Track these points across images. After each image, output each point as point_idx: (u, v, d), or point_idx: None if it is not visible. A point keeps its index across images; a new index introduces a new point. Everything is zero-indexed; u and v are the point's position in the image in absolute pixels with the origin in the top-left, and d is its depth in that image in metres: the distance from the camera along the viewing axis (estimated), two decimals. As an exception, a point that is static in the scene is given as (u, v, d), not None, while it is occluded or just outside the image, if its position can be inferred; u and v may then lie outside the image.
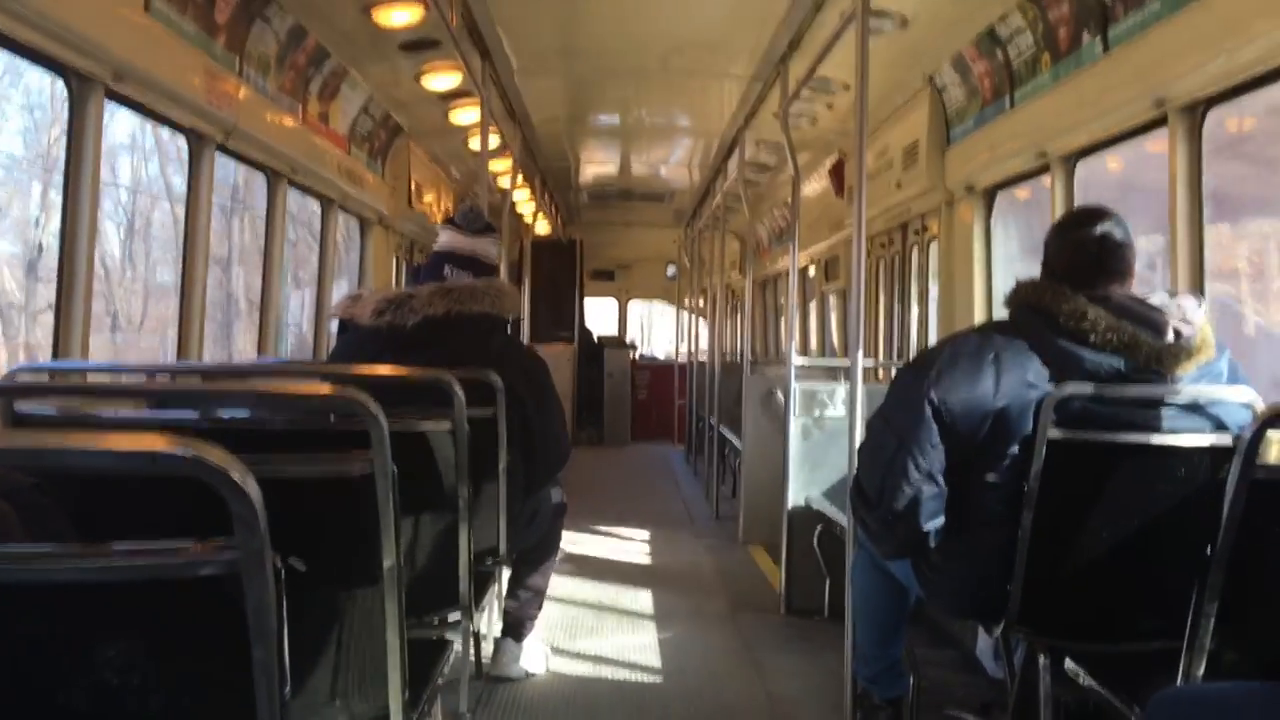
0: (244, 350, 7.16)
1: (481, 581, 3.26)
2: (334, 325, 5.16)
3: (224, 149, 4.63)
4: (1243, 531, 2.05)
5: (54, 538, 1.68)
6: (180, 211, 4.64)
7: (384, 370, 2.97)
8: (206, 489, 1.09)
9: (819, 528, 4.93)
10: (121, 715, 1.20)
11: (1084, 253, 2.71)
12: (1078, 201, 4.38)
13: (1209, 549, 2.11)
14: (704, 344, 11.40)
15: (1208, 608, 2.11)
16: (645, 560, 6.69)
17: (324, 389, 2.02)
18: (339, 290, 6.61)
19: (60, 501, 1.76)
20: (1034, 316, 2.67)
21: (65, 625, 1.18)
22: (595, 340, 14.75)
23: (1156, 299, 2.65)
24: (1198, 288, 3.51)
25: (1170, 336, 2.57)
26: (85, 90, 3.49)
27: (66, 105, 3.52)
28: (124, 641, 1.18)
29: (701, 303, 12.23)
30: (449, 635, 2.86)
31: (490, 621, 4.27)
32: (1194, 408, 2.60)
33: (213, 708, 1.23)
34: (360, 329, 3.53)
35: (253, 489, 1.08)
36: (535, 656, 4.19)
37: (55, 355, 3.52)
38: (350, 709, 2.03)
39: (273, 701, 1.16)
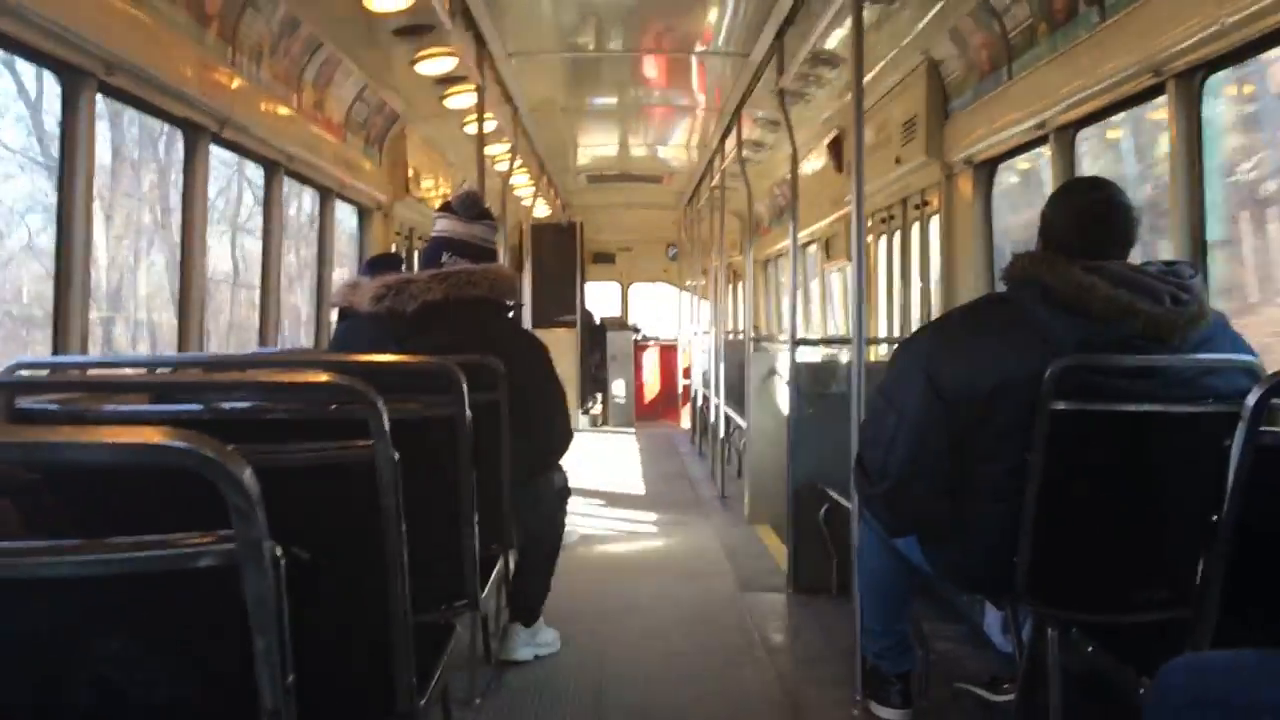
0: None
1: (487, 567, 3.26)
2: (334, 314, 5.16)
3: (219, 140, 4.61)
4: (1248, 498, 2.04)
5: (53, 533, 1.68)
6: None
7: (384, 357, 2.97)
8: (204, 481, 1.09)
9: (825, 506, 4.92)
10: (125, 709, 1.20)
11: (1083, 221, 2.69)
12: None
13: (1215, 517, 2.10)
14: (706, 324, 11.38)
15: (1214, 576, 2.10)
16: (652, 542, 6.70)
17: (323, 377, 2.02)
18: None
19: (61, 497, 1.76)
20: (1031, 289, 2.66)
21: (66, 620, 1.18)
22: (598, 322, 14.74)
23: (1153, 268, 2.64)
24: (1197, 256, 3.49)
25: (1167, 303, 2.56)
26: (77, 84, 3.47)
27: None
28: (126, 635, 1.18)
29: (703, 283, 12.21)
30: (455, 622, 2.86)
31: (498, 606, 4.27)
32: (1194, 376, 2.59)
33: (217, 699, 1.23)
34: (360, 316, 3.53)
35: (249, 479, 1.08)
36: (543, 640, 4.20)
37: (55, 350, 3.52)
38: (357, 698, 2.03)
39: (276, 691, 1.16)
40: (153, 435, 1.07)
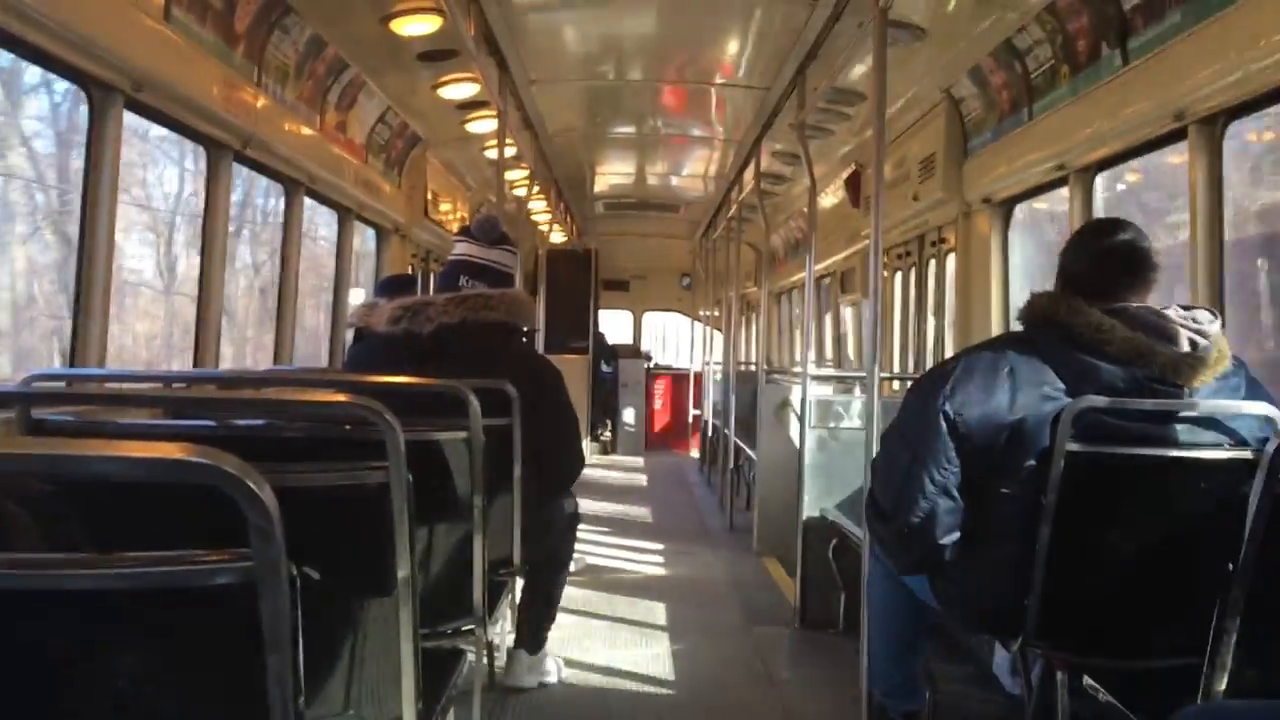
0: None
1: (495, 592, 3.25)
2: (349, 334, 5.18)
3: (241, 158, 4.65)
4: (1265, 547, 2.03)
5: (68, 546, 1.68)
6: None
7: (399, 379, 2.97)
8: (220, 497, 1.08)
9: (834, 540, 4.90)
10: (136, 724, 1.19)
11: (1104, 264, 2.69)
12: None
13: (1230, 565, 2.09)
14: (719, 355, 11.37)
15: (1229, 624, 2.08)
16: (659, 571, 6.67)
17: (340, 397, 2.02)
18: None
19: (75, 510, 1.76)
20: (1049, 329, 2.65)
21: (79, 634, 1.17)
22: (610, 349, 14.75)
23: (1172, 311, 2.63)
24: (1216, 301, 3.49)
25: (1185, 347, 2.55)
26: (105, 100, 3.51)
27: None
28: (138, 650, 1.18)
29: (716, 313, 12.21)
30: (462, 645, 2.85)
31: (503, 632, 4.26)
32: (1212, 421, 2.57)
33: (226, 717, 1.22)
34: (376, 336, 3.54)
35: (269, 497, 1.08)
36: (548, 667, 4.18)
37: (72, 362, 3.53)
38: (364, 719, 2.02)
39: (286, 712, 1.16)
40: (174, 450, 1.07)
